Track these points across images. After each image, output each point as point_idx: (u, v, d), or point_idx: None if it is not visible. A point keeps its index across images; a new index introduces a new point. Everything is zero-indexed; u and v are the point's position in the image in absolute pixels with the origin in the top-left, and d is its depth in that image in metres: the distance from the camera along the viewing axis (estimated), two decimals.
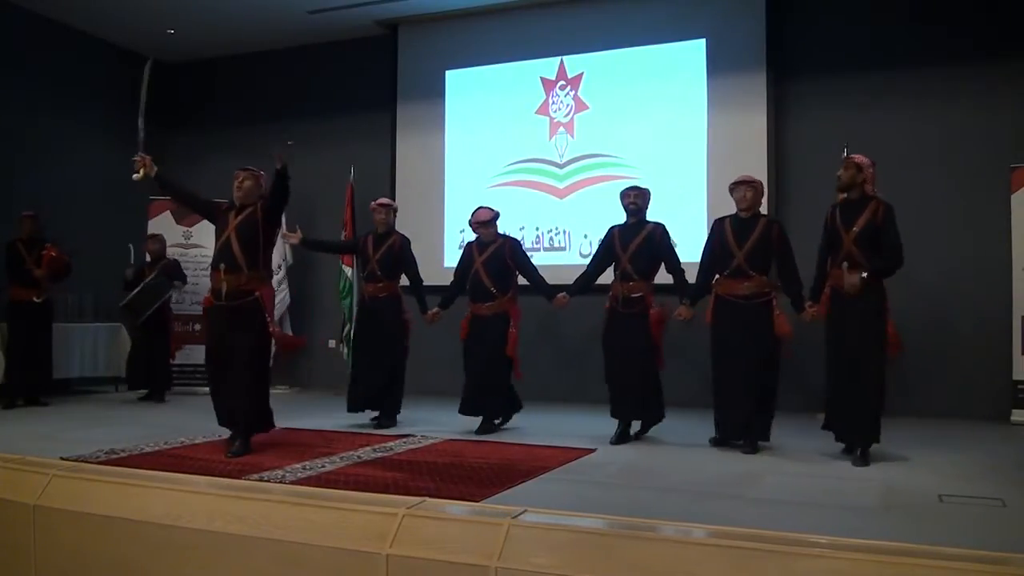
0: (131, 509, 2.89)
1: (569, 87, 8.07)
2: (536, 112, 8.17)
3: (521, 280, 5.95)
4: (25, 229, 7.02)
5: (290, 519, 2.63)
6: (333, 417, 6.34)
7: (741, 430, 5.03)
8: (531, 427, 6.00)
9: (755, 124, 7.30)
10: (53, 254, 6.98)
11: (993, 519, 3.52)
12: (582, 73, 8.02)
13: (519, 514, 2.49)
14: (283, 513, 2.67)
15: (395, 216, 6.36)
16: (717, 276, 5.17)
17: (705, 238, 5.38)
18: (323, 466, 4.47)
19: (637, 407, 5.40)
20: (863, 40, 7.10)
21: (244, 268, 4.75)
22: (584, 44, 7.99)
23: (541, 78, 8.17)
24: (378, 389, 6.02)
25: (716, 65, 7.50)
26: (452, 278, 6.17)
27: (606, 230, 5.70)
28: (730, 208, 5.27)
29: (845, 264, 4.66)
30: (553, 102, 8.13)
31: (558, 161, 8.07)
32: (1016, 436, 5.79)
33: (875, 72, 7.03)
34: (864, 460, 4.60)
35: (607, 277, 5.65)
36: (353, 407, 6.09)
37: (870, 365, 4.62)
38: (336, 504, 2.67)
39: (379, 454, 4.88)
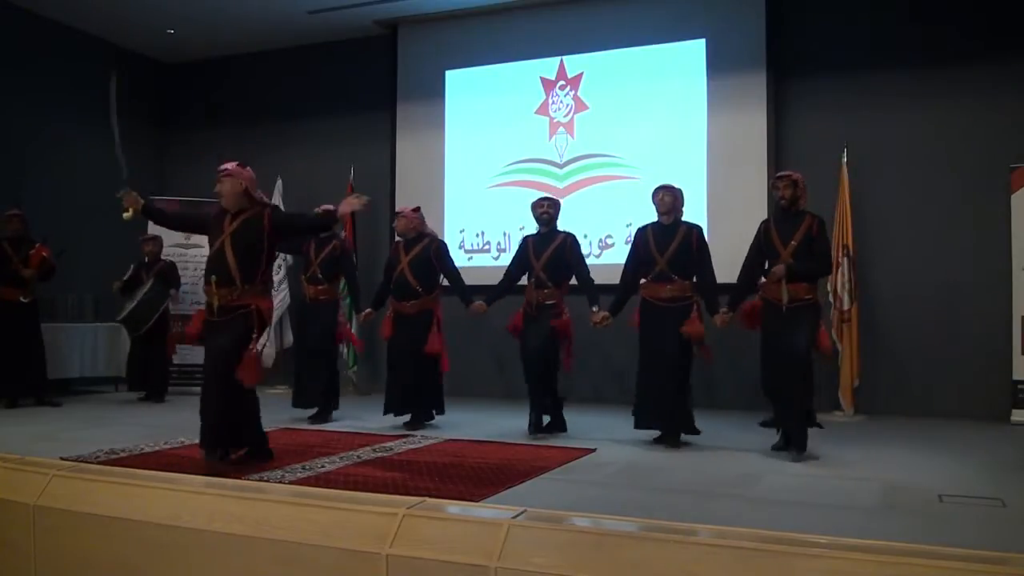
0: (131, 509, 2.89)
1: (569, 87, 8.07)
2: (536, 112, 8.17)
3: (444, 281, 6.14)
4: (11, 227, 6.90)
5: (290, 519, 2.63)
6: (331, 417, 6.37)
7: (665, 426, 5.22)
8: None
9: (755, 124, 7.30)
10: (44, 255, 6.88)
11: (993, 519, 3.53)
12: (582, 73, 8.02)
13: (519, 514, 2.49)
14: (283, 513, 2.67)
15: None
16: (643, 280, 5.35)
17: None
18: (323, 466, 4.47)
19: (542, 402, 5.67)
20: (863, 40, 7.10)
21: (238, 281, 4.22)
22: (584, 44, 7.98)
23: (541, 78, 8.17)
24: (317, 388, 6.26)
25: (716, 65, 7.50)
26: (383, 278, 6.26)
27: (521, 240, 5.97)
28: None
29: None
30: (553, 102, 8.13)
31: (558, 161, 8.07)
32: (1016, 436, 5.79)
33: (875, 72, 7.03)
34: (800, 454, 4.75)
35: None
36: (298, 403, 6.34)
37: (803, 366, 4.80)
38: (336, 504, 2.66)
39: (379, 454, 4.88)
